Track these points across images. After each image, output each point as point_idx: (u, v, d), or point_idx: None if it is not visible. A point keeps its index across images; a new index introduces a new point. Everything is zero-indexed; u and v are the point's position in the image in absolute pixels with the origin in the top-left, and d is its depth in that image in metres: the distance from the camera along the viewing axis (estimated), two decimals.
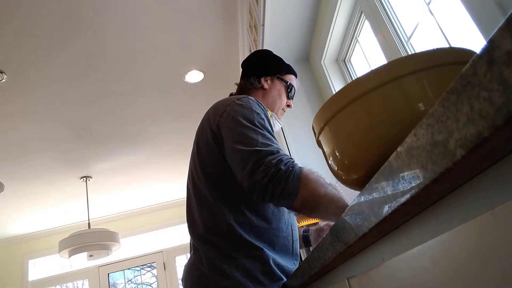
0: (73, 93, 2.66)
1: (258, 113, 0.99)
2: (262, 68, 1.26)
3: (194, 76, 2.78)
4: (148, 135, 3.44)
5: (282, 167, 0.84)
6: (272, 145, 0.91)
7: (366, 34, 1.82)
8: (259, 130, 0.94)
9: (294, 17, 2.00)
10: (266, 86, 1.24)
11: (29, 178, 3.66)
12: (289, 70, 1.30)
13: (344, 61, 2.10)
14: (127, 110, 3.01)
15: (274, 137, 0.97)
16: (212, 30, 2.40)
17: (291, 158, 0.90)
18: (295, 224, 1.11)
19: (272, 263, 0.96)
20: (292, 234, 1.06)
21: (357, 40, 1.91)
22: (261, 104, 1.06)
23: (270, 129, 0.98)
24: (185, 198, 1.16)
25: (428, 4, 1.29)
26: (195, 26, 2.33)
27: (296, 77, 1.31)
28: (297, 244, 1.08)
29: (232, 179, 0.97)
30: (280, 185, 0.84)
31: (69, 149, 3.36)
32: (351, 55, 2.04)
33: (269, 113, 1.19)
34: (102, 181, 4.09)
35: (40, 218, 4.61)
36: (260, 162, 0.87)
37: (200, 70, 2.73)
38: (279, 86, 1.25)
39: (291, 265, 1.03)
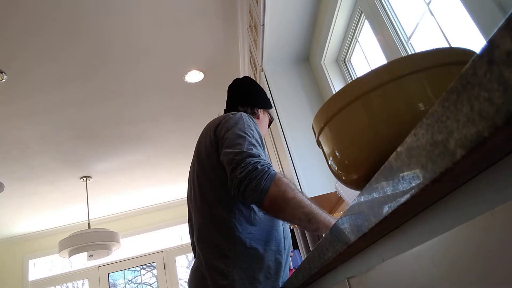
0: (73, 93, 2.66)
1: (249, 125, 1.14)
2: (260, 99, 1.43)
3: (194, 76, 2.78)
4: (148, 135, 3.44)
5: (259, 167, 0.96)
6: (256, 150, 1.03)
7: (366, 34, 1.81)
8: (247, 137, 1.07)
9: (294, 17, 1.99)
10: (260, 116, 1.40)
11: (29, 178, 3.66)
12: (271, 105, 1.50)
13: (344, 61, 2.10)
14: (127, 110, 3.01)
15: (260, 145, 1.09)
16: (212, 30, 2.40)
17: (269, 163, 1.01)
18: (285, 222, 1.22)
19: (268, 260, 1.05)
20: (284, 231, 1.17)
21: (357, 40, 1.91)
22: (252, 119, 1.21)
23: (258, 138, 1.11)
24: (185, 198, 1.24)
25: (428, 4, 1.29)
26: (195, 26, 2.33)
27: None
28: (288, 240, 1.19)
29: None
30: (254, 181, 0.94)
31: (69, 149, 3.36)
32: (351, 55, 2.04)
33: None
34: (102, 181, 4.09)
35: (40, 218, 4.61)
36: (241, 161, 0.99)
37: (200, 70, 2.73)
38: (266, 119, 1.44)
39: (284, 261, 1.13)
